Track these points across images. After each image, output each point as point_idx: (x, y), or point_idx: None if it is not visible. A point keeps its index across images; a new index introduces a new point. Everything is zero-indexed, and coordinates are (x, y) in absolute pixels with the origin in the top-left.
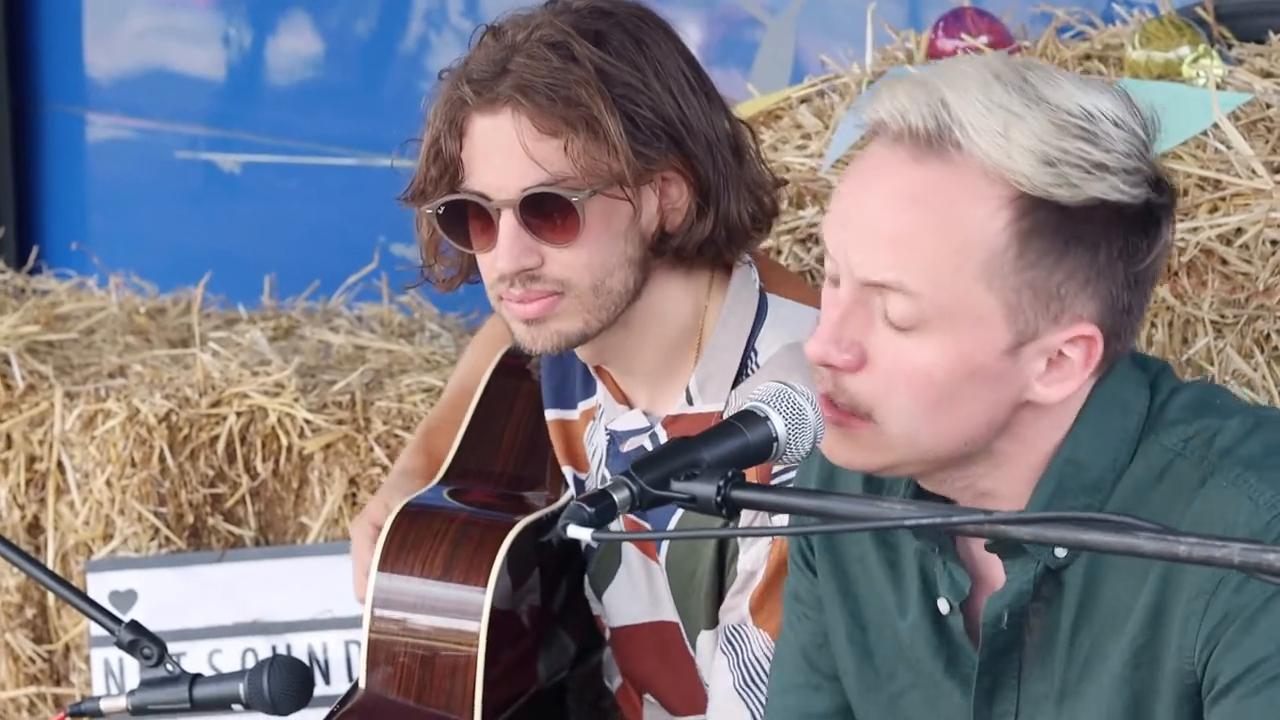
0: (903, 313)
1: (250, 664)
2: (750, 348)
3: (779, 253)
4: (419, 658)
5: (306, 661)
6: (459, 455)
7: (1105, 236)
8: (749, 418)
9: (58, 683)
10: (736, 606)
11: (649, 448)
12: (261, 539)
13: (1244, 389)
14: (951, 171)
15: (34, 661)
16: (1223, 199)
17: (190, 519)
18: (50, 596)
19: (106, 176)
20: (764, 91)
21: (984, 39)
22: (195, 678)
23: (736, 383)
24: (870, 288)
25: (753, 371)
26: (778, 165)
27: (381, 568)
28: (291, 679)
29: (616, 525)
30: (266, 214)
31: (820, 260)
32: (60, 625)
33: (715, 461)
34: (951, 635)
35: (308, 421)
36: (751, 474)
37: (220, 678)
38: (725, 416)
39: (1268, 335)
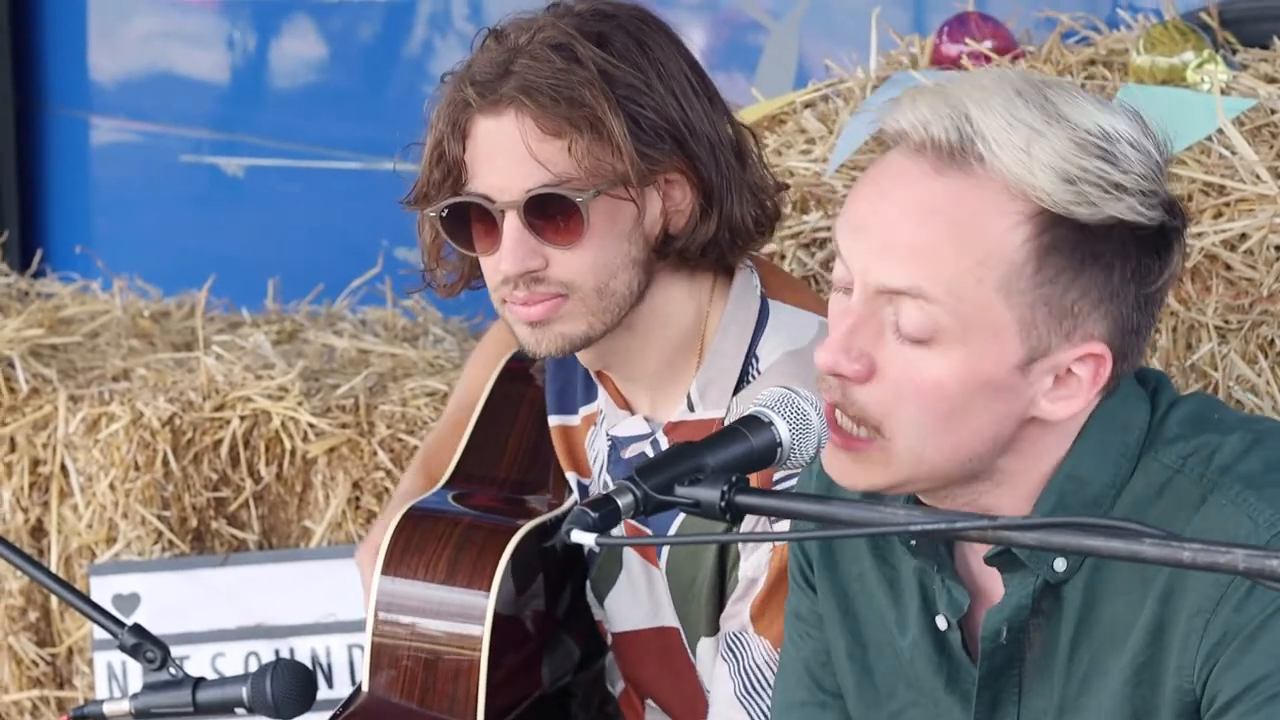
0: (917, 323)
1: (253, 668)
2: (751, 354)
3: (783, 257)
4: (422, 661)
5: (309, 665)
6: (463, 460)
7: (1120, 256)
8: (753, 423)
9: (61, 686)
10: (737, 614)
11: (650, 454)
12: (265, 543)
13: (1248, 394)
14: (973, 184)
15: (37, 665)
16: (1227, 204)
17: (194, 522)
18: (53, 600)
19: (110, 180)
20: (768, 96)
21: (988, 44)
22: (198, 681)
23: (737, 389)
24: (884, 296)
25: (754, 378)
26: (782, 170)
27: (385, 571)
28: (294, 683)
29: (618, 531)
30: (270, 217)
31: (824, 265)
32: (63, 628)
33: (719, 466)
34: (951, 651)
35: (311, 425)
36: (752, 479)
37: (223, 681)
38: (727, 423)
39: (1272, 341)
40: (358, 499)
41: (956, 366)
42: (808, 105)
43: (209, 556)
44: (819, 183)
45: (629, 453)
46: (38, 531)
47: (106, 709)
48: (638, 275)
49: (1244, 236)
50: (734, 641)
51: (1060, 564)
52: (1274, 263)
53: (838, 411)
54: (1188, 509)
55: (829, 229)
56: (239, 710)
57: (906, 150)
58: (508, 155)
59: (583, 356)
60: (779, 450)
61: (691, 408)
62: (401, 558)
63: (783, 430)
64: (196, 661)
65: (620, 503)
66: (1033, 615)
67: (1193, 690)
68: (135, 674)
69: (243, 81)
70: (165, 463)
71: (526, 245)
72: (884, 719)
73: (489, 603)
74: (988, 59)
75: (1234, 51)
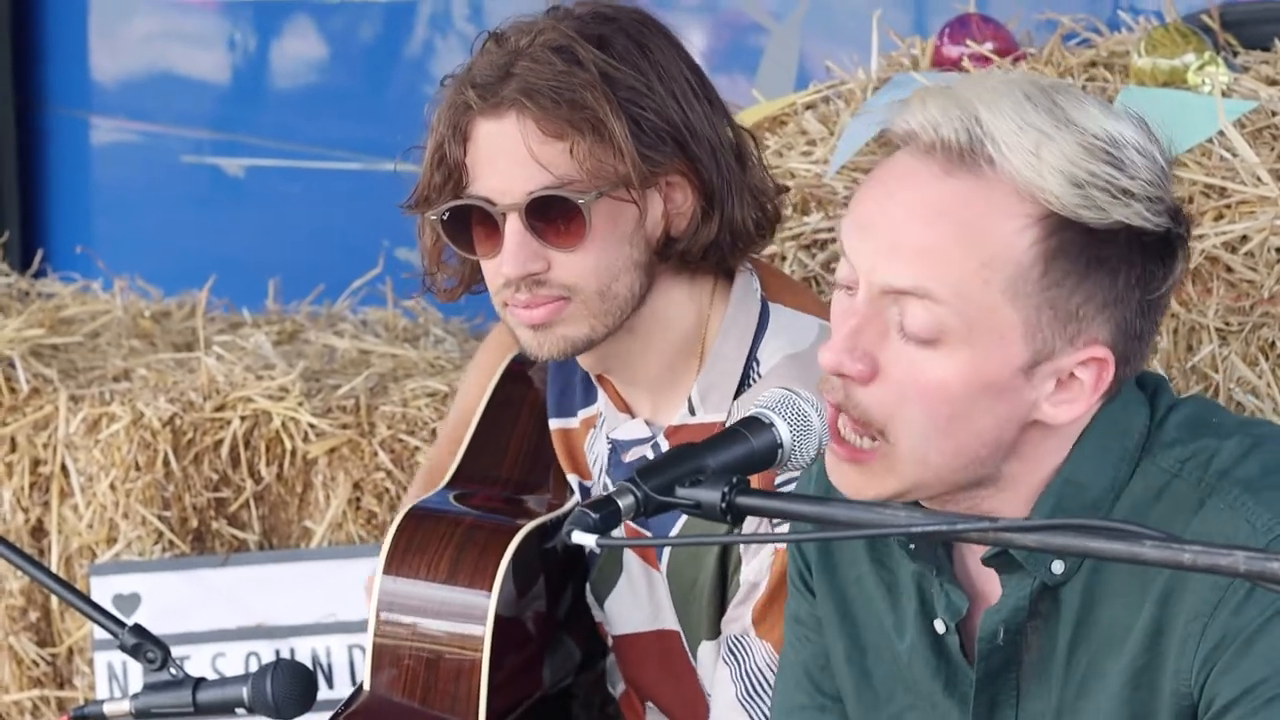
0: (922, 323)
1: (254, 668)
2: (752, 357)
3: (783, 258)
4: (424, 660)
5: (310, 666)
6: (465, 461)
7: (1126, 262)
8: (754, 424)
9: (61, 686)
10: (739, 617)
11: (651, 458)
12: (265, 543)
13: (1248, 397)
14: (982, 186)
15: (37, 665)
16: (1228, 206)
17: (194, 523)
18: (54, 600)
19: (111, 180)
20: (769, 97)
21: (989, 45)
22: (199, 682)
23: (739, 393)
24: (889, 296)
25: (755, 382)
26: (782, 171)
27: (387, 570)
28: (295, 683)
29: (619, 532)
30: (271, 218)
31: (824, 266)
32: (64, 628)
33: (720, 468)
34: (949, 655)
35: (312, 426)
36: (754, 481)
37: (224, 682)
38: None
39: (1272, 343)
40: (358, 499)
41: (961, 368)
42: (809, 107)
43: (209, 557)
44: (820, 184)
45: (630, 456)
46: (38, 531)
47: (107, 709)
48: (639, 278)
49: (1245, 238)
50: (735, 645)
51: (1058, 566)
52: (1275, 265)
53: (841, 421)
54: (1186, 513)
55: (830, 230)
56: (239, 710)
57: (915, 151)
58: (509, 158)
59: (583, 360)
60: (780, 452)
61: (693, 411)
62: (403, 557)
63: (783, 431)
64: (197, 662)
65: (621, 504)
66: (1030, 617)
67: (1190, 694)
68: (136, 674)
69: (243, 82)
70: (166, 463)
71: (528, 248)
72: None
73: (491, 602)
74: (988, 61)
75: (1235, 53)
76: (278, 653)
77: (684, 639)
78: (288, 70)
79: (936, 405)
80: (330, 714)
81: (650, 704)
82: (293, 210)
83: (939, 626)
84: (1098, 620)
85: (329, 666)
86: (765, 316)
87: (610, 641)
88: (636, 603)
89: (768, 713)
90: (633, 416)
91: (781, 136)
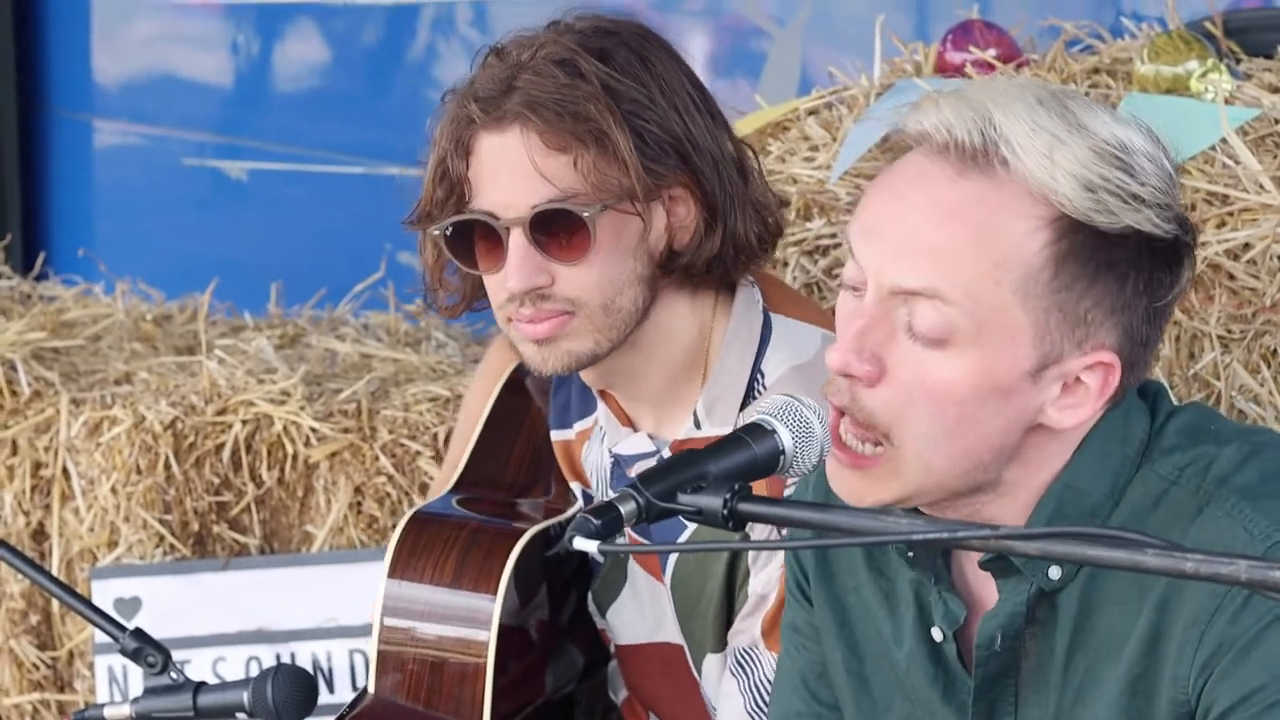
0: (932, 323)
1: (254, 672)
2: (756, 370)
3: (786, 264)
4: (428, 664)
5: (310, 670)
6: (469, 466)
7: (1135, 267)
8: (756, 431)
9: (62, 689)
10: (748, 629)
11: None
12: (266, 547)
13: (1250, 404)
14: (995, 187)
15: (38, 668)
16: (1230, 214)
17: (195, 526)
18: (55, 603)
19: (113, 183)
20: (771, 103)
21: (992, 52)
22: (199, 686)
23: (744, 405)
24: (898, 297)
25: (760, 394)
26: (785, 177)
27: (391, 574)
28: (295, 688)
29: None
30: (273, 221)
31: (827, 272)
32: (64, 632)
33: (722, 474)
34: (947, 663)
35: (313, 430)
36: (764, 488)
37: (224, 686)
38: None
39: (1275, 350)
40: (359, 504)
41: (969, 369)
42: (811, 112)
43: (210, 560)
44: (822, 190)
45: (635, 471)
46: (39, 535)
47: (107, 713)
48: (643, 291)
49: (1247, 246)
50: (744, 657)
51: (1055, 571)
52: (1277, 273)
53: (843, 426)
54: (1184, 520)
55: (832, 236)
56: (240, 715)
57: (928, 152)
58: (512, 171)
59: (586, 375)
60: (782, 458)
61: (698, 425)
62: (408, 561)
63: (785, 438)
64: (197, 666)
65: (623, 510)
66: (1028, 624)
67: (1188, 701)
68: (136, 678)
69: (246, 85)
70: (167, 466)
71: (532, 262)
72: None
73: (495, 606)
74: (991, 67)
75: (1238, 61)
76: (278, 657)
77: (687, 652)
78: (290, 73)
79: (944, 407)
80: (333, 718)
81: (653, 715)
82: (295, 214)
83: (936, 634)
84: (1095, 627)
85: (330, 671)
86: (768, 328)
87: (613, 649)
88: (640, 614)
89: None
90: (635, 430)
91: (784, 142)
